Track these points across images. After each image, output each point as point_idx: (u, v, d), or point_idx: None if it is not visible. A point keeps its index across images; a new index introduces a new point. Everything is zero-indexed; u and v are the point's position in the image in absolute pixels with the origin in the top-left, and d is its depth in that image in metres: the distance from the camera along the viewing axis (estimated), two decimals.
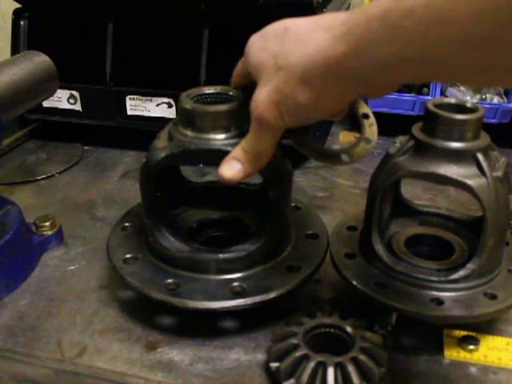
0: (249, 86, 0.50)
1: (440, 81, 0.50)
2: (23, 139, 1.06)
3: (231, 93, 0.57)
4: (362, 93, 0.47)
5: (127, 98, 0.94)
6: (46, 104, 0.98)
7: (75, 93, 0.97)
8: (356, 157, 0.51)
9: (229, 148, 0.53)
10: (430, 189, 0.83)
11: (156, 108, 0.93)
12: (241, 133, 0.54)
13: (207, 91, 0.58)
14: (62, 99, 0.98)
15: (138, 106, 0.94)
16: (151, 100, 0.93)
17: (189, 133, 0.55)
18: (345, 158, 0.50)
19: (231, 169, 0.51)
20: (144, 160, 0.58)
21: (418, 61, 0.36)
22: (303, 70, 0.43)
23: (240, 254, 0.58)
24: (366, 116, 0.53)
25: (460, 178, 0.52)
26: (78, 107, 0.99)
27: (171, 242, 0.59)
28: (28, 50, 0.90)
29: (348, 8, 1.12)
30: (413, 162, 0.54)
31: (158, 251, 0.60)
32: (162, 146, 0.56)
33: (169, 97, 0.92)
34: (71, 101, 0.98)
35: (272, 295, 0.55)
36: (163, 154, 0.55)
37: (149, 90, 0.93)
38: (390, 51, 0.37)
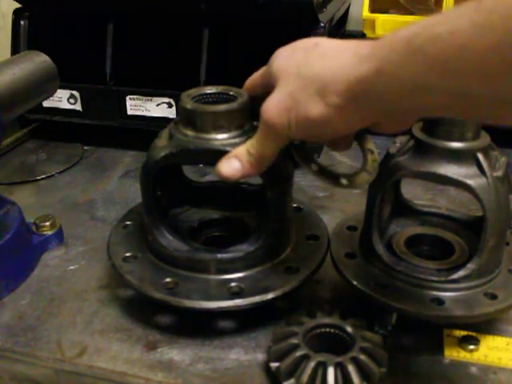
0: (263, 97, 0.50)
1: (459, 116, 0.49)
2: (23, 139, 1.06)
3: (232, 93, 0.57)
4: (375, 121, 0.45)
5: (127, 97, 0.94)
6: (46, 104, 0.98)
7: (75, 93, 0.97)
8: (355, 184, 0.51)
9: (228, 148, 0.53)
10: (430, 189, 0.83)
11: (156, 108, 0.93)
12: (241, 133, 0.54)
13: (208, 91, 0.58)
14: (62, 99, 0.98)
15: (138, 106, 0.94)
16: (151, 100, 0.93)
17: (189, 132, 0.55)
18: (344, 182, 0.50)
19: (230, 166, 0.51)
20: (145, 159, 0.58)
21: (438, 89, 0.36)
22: (323, 82, 0.43)
23: (239, 254, 0.58)
24: (371, 151, 0.53)
25: (460, 178, 0.52)
26: (78, 107, 0.99)
27: (170, 241, 0.59)
28: (28, 49, 0.90)
29: (348, 8, 1.12)
30: (413, 161, 0.54)
31: (157, 250, 0.60)
32: (162, 145, 0.57)
33: (169, 97, 0.92)
34: (71, 101, 0.98)
35: (269, 296, 0.55)
36: (163, 154, 0.55)
37: (149, 90, 0.93)
38: (410, 76, 0.36)
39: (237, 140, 0.53)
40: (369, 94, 0.40)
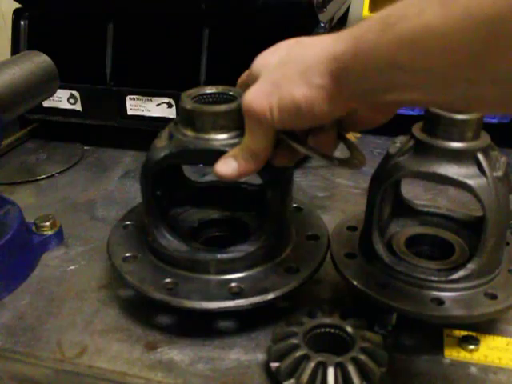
0: None
1: (431, 103, 0.49)
2: (23, 139, 1.06)
3: (232, 93, 0.57)
4: (356, 106, 0.46)
5: (127, 98, 0.94)
6: (46, 104, 0.98)
7: (75, 93, 0.97)
8: (347, 166, 0.51)
9: (227, 148, 0.53)
10: (430, 189, 0.83)
11: (156, 108, 0.93)
12: (241, 133, 0.54)
13: (208, 91, 0.58)
14: (62, 99, 0.98)
15: (138, 106, 0.94)
16: (151, 100, 0.93)
17: (189, 133, 0.55)
18: (336, 162, 0.50)
19: (227, 166, 0.51)
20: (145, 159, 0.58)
21: (408, 69, 0.36)
22: (304, 65, 0.43)
23: (239, 254, 0.58)
24: (356, 149, 0.53)
25: (460, 178, 0.52)
26: (78, 107, 0.99)
27: (170, 242, 0.59)
28: (28, 49, 0.90)
29: (348, 8, 1.12)
30: (413, 161, 0.54)
31: (157, 250, 0.60)
32: (161, 145, 0.57)
33: (169, 97, 0.92)
34: (71, 101, 0.98)
35: (270, 296, 0.55)
36: (162, 154, 0.55)
37: (149, 90, 0.93)
38: (384, 54, 0.37)
39: (236, 140, 0.53)
40: (348, 73, 0.41)
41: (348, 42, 0.40)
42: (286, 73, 0.45)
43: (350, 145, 0.53)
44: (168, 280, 0.57)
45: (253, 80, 0.49)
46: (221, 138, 0.54)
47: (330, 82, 0.42)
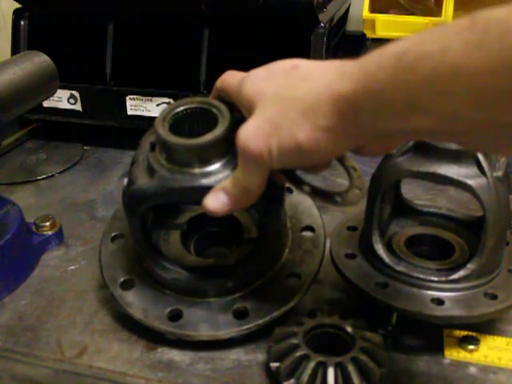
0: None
1: (453, 142, 0.46)
2: (23, 139, 1.06)
3: (214, 110, 0.51)
4: (363, 143, 0.43)
5: (127, 98, 0.94)
6: (46, 104, 0.98)
7: (75, 93, 0.97)
8: (348, 201, 0.48)
9: (216, 184, 0.48)
10: (430, 189, 0.83)
11: (156, 108, 0.93)
12: (229, 161, 0.49)
13: (182, 107, 0.52)
14: (62, 99, 0.98)
15: (138, 106, 0.94)
16: (151, 100, 0.93)
17: (171, 166, 0.50)
18: (338, 199, 0.47)
19: (217, 201, 0.47)
20: (124, 189, 0.54)
21: (430, 111, 0.34)
22: (307, 104, 0.39)
23: (238, 273, 0.57)
24: (353, 169, 0.50)
25: (460, 178, 0.52)
26: (78, 107, 0.99)
27: (167, 270, 0.57)
28: (28, 49, 0.90)
29: (348, 8, 1.12)
30: (413, 162, 0.54)
31: (155, 276, 0.58)
32: (144, 183, 0.51)
33: (169, 97, 0.92)
34: (71, 101, 0.98)
35: (275, 314, 0.54)
36: (147, 193, 0.51)
37: (149, 90, 0.93)
38: (400, 94, 0.34)
39: (226, 173, 0.49)
40: (358, 113, 0.37)
41: (357, 80, 0.37)
42: (286, 111, 0.41)
43: (347, 166, 0.49)
44: (171, 309, 0.56)
45: (245, 106, 0.45)
46: (208, 170, 0.49)
47: (337, 122, 0.39)
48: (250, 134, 0.43)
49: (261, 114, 0.43)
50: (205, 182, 0.49)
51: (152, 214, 0.61)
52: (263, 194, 0.47)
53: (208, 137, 0.49)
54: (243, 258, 0.58)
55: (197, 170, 0.49)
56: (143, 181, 0.52)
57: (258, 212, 0.56)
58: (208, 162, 0.49)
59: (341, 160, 0.50)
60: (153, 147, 0.52)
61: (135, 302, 0.57)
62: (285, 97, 0.41)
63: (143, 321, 0.56)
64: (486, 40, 0.29)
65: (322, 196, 0.48)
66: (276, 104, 0.42)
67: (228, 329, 0.54)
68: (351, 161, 0.50)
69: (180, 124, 0.52)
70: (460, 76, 0.31)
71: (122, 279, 0.60)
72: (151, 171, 0.51)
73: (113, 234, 0.65)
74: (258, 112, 0.43)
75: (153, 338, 0.57)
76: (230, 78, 0.50)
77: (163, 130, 0.50)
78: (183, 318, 0.55)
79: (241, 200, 0.47)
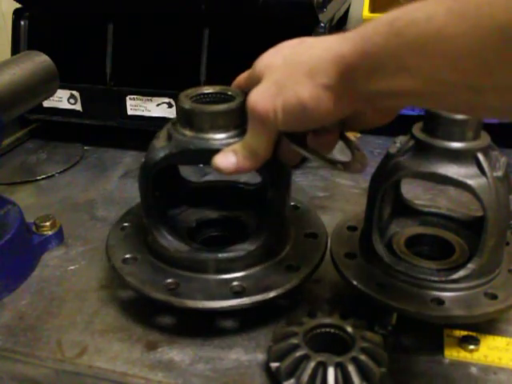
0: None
1: (435, 106, 0.49)
2: (23, 139, 1.06)
3: (230, 93, 0.57)
4: (360, 107, 0.46)
5: (127, 98, 0.94)
6: (46, 104, 0.98)
7: (75, 93, 0.97)
8: (349, 170, 0.50)
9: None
10: (430, 189, 0.83)
11: (156, 108, 0.93)
12: (241, 132, 0.54)
13: (206, 91, 0.58)
14: (63, 99, 0.98)
15: (138, 106, 0.95)
16: (151, 100, 0.93)
17: (188, 132, 0.55)
18: (340, 166, 0.50)
19: (225, 159, 0.51)
20: (143, 160, 0.58)
21: (416, 73, 0.36)
22: (310, 65, 0.43)
23: (239, 253, 0.58)
24: (357, 149, 0.53)
25: (460, 178, 0.52)
26: (78, 107, 0.99)
27: (170, 242, 0.59)
28: (28, 49, 0.90)
29: (348, 8, 1.12)
30: (413, 162, 0.54)
31: (157, 251, 0.60)
32: (161, 145, 0.56)
33: (169, 97, 0.92)
34: (71, 101, 0.98)
35: (271, 294, 0.55)
36: (162, 154, 0.56)
37: (149, 90, 0.93)
38: (391, 57, 0.37)
39: (235, 139, 0.53)
40: (355, 73, 0.40)
41: (356, 43, 0.40)
42: (291, 73, 0.44)
43: (351, 145, 0.53)
44: (169, 280, 0.57)
45: (256, 80, 0.49)
46: (220, 137, 0.54)
47: (337, 81, 0.42)
48: (258, 95, 0.47)
49: (268, 79, 0.47)
50: (216, 143, 0.54)
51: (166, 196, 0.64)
52: (271, 167, 0.52)
53: (222, 106, 0.54)
54: (246, 237, 0.60)
55: (210, 135, 0.54)
56: (161, 144, 0.57)
57: (268, 185, 0.58)
58: (221, 129, 0.54)
59: (345, 140, 0.53)
60: (173, 123, 0.58)
61: (135, 272, 0.58)
62: (291, 62, 0.45)
63: (140, 288, 0.56)
64: (465, 8, 0.32)
65: (326, 160, 0.51)
66: (283, 69, 0.46)
67: (224, 301, 0.54)
68: (355, 143, 0.53)
69: (200, 103, 0.57)
70: (441, 40, 0.34)
71: (124, 256, 0.61)
72: (169, 137, 0.56)
73: (123, 224, 0.67)
74: (265, 79, 0.47)
75: (153, 338, 0.57)
76: (238, 77, 0.57)
77: (184, 99, 0.56)
78: (180, 289, 0.56)
79: (248, 162, 0.51)
